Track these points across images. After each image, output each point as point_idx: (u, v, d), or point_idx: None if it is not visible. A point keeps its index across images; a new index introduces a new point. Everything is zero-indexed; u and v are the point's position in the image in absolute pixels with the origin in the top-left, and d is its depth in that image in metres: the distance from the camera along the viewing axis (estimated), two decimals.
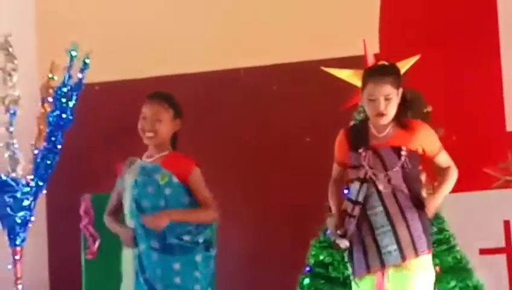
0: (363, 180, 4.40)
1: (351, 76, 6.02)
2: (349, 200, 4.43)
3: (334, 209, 4.62)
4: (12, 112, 6.32)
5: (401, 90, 4.47)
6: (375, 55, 6.15)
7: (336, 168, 4.68)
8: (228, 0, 7.43)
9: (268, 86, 7.23)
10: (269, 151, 7.12)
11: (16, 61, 6.27)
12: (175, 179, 4.51)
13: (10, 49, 6.27)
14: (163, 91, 4.70)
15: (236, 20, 7.36)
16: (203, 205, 4.56)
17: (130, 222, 4.58)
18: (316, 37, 7.05)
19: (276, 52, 7.18)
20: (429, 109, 6.41)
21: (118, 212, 4.74)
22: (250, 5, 7.33)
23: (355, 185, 4.42)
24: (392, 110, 4.42)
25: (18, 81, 6.31)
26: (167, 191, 4.51)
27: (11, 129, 6.35)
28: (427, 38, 6.69)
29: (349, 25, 6.91)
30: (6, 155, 6.37)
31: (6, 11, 7.37)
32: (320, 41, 7.01)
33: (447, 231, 5.80)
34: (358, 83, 6.00)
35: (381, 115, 4.41)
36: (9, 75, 6.29)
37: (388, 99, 4.40)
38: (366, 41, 6.08)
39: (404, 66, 5.98)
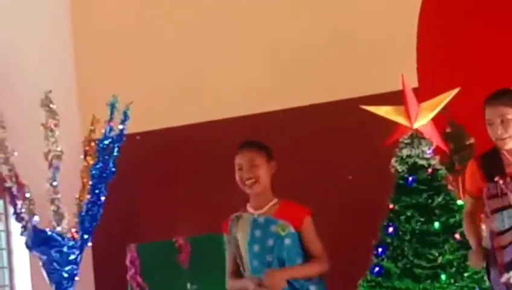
0: (506, 208, 4.31)
1: (390, 112, 6.13)
2: (504, 231, 4.32)
3: (473, 243, 4.49)
4: (55, 166, 6.54)
5: None
6: (414, 90, 6.27)
7: (468, 201, 4.58)
8: (264, 44, 7.58)
9: (308, 127, 7.36)
10: (312, 191, 7.19)
11: (57, 117, 6.50)
12: (291, 229, 4.52)
13: (51, 106, 6.49)
14: (250, 139, 4.71)
15: (272, 63, 7.52)
16: (315, 255, 4.55)
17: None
18: (353, 75, 7.19)
19: (314, 93, 7.33)
20: (472, 140, 6.51)
21: (238, 271, 4.63)
22: (286, 48, 7.48)
23: (502, 215, 4.32)
24: None
25: (60, 136, 6.54)
26: (287, 241, 4.50)
27: (55, 184, 6.56)
28: (465, 71, 6.78)
29: (386, 61, 7.04)
30: (50, 210, 6.57)
31: (47, 69, 7.62)
32: (358, 79, 7.14)
33: None
34: (397, 119, 6.17)
35: (500, 139, 4.36)
36: (51, 130, 6.49)
37: (505, 121, 4.34)
38: (404, 76, 6.19)
39: (444, 99, 6.11)
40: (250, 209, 4.61)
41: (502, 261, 4.33)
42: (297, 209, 4.59)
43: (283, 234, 4.51)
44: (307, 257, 4.57)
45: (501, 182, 4.36)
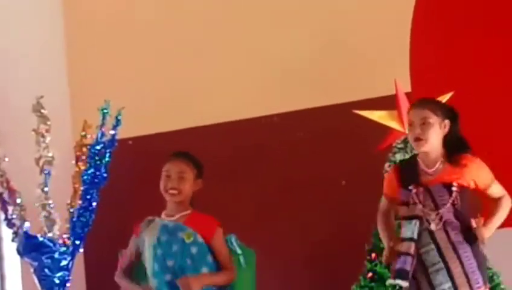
0: (416, 217, 4.46)
1: (383, 117, 6.18)
2: (405, 239, 4.47)
3: (385, 240, 4.66)
4: (46, 172, 6.57)
5: (447, 122, 4.56)
6: (407, 94, 6.31)
7: (384, 201, 4.75)
8: (257, 48, 7.61)
9: (302, 131, 7.36)
10: (306, 196, 7.23)
11: (48, 122, 6.53)
12: (199, 238, 4.63)
13: (43, 111, 6.53)
14: (185, 151, 4.84)
15: (266, 67, 7.55)
16: (224, 266, 4.68)
17: (153, 282, 4.67)
18: (346, 79, 7.22)
19: (308, 97, 7.35)
20: None
21: (131, 271, 4.86)
22: (279, 52, 7.51)
23: (410, 223, 4.47)
24: (432, 136, 4.51)
25: (52, 141, 6.57)
26: (193, 249, 4.62)
27: (46, 189, 6.60)
28: (458, 75, 6.81)
29: (379, 65, 7.06)
30: (42, 216, 6.61)
31: (39, 73, 7.65)
32: (351, 83, 7.17)
33: (490, 268, 5.87)
34: (390, 123, 6.22)
35: (418, 139, 4.51)
36: (43, 136, 6.53)
37: (425, 124, 4.50)
38: (397, 81, 6.22)
39: None
40: (163, 215, 4.74)
41: (393, 267, 4.48)
42: (207, 220, 4.71)
43: (188, 241, 4.63)
44: (217, 267, 4.69)
45: (414, 191, 4.49)
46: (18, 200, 6.63)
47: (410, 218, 4.49)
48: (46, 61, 7.87)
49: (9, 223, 6.68)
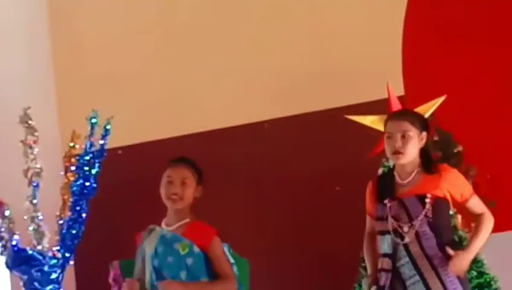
0: (388, 232, 4.49)
1: (375, 122, 6.20)
2: (382, 255, 4.51)
3: (369, 266, 4.66)
4: (35, 184, 6.60)
5: (424, 134, 4.56)
6: (400, 98, 6.36)
7: (368, 220, 4.74)
8: (247, 54, 7.67)
9: (294, 137, 7.45)
10: (299, 202, 7.29)
11: (36, 134, 6.56)
12: (196, 249, 4.60)
13: (30, 122, 6.56)
14: (186, 156, 4.81)
15: (257, 74, 7.62)
16: (222, 276, 4.63)
17: None
18: (339, 84, 7.29)
19: (299, 103, 7.42)
20: (460, 148, 6.59)
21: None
22: (271, 57, 7.57)
23: (384, 238, 4.51)
24: (411, 150, 4.51)
25: (40, 152, 6.60)
26: (189, 261, 4.60)
27: (35, 202, 6.62)
28: (451, 78, 6.88)
29: (371, 69, 7.12)
30: (31, 229, 6.63)
31: (27, 84, 7.69)
32: (343, 88, 7.24)
33: (488, 274, 5.92)
34: (383, 128, 6.27)
35: (397, 152, 4.50)
36: (30, 147, 6.55)
37: (405, 137, 4.50)
38: (390, 85, 6.28)
39: (431, 107, 6.20)
40: (163, 224, 4.72)
41: (375, 282, 4.52)
42: (204, 230, 4.67)
43: (183, 253, 4.61)
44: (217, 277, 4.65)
45: (388, 205, 4.51)
46: (6, 213, 6.65)
47: (383, 233, 4.53)
48: (32, 71, 7.91)
49: None
